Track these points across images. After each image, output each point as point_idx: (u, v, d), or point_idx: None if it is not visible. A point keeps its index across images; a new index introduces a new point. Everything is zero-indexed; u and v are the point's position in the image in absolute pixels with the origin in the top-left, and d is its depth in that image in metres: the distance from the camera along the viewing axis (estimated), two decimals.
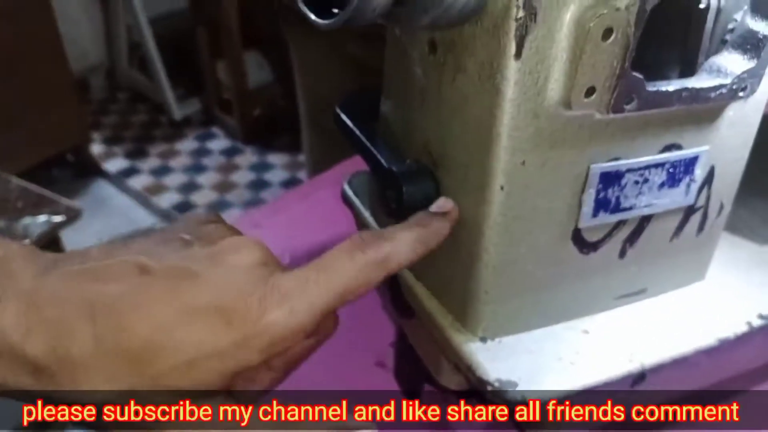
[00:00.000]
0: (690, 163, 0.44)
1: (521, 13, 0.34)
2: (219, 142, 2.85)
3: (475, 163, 0.38)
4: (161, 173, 2.70)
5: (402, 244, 0.36)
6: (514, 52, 0.34)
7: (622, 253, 0.45)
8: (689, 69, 0.44)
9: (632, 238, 0.45)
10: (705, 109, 0.42)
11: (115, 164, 2.72)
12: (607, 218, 0.42)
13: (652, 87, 0.38)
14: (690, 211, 0.47)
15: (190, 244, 0.35)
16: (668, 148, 0.43)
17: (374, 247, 0.35)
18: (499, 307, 0.43)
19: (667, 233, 0.47)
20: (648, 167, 0.42)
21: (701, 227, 0.48)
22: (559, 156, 0.38)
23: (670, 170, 0.43)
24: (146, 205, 2.56)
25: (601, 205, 0.41)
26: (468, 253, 0.41)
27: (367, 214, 0.54)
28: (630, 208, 0.43)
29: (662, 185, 0.43)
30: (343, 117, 0.49)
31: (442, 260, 0.44)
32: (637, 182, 0.42)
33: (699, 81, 0.40)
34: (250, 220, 0.76)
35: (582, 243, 0.43)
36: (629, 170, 0.41)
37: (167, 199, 2.57)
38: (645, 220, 0.45)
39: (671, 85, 0.39)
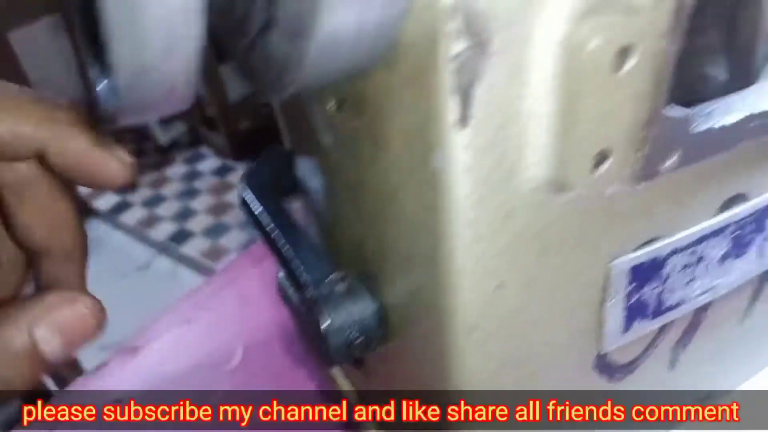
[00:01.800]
0: (762, 216, 0.29)
1: (462, 44, 0.18)
2: (209, 163, 2.71)
3: (426, 288, 0.24)
4: (154, 203, 2.55)
5: None
6: (457, 116, 0.19)
7: (673, 363, 0.30)
8: (742, 70, 0.29)
9: (685, 340, 0.30)
10: None
11: (105, 201, 2.59)
12: (647, 325, 0.27)
13: (700, 126, 0.23)
14: (765, 276, 0.32)
15: None
16: (729, 203, 0.28)
17: None
18: None
19: (735, 316, 0.32)
20: (702, 239, 0.27)
21: None
22: (558, 262, 0.23)
23: (735, 233, 0.28)
24: (142, 239, 2.42)
25: (637, 312, 0.26)
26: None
27: None
28: (679, 304, 0.28)
29: (725, 257, 0.28)
30: (245, 196, 0.34)
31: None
32: (687, 266, 0.27)
33: None
34: (195, 302, 0.61)
35: (611, 369, 0.28)
36: (675, 252, 0.26)
37: (163, 231, 2.43)
38: (702, 310, 0.30)
39: (729, 115, 0.24)
